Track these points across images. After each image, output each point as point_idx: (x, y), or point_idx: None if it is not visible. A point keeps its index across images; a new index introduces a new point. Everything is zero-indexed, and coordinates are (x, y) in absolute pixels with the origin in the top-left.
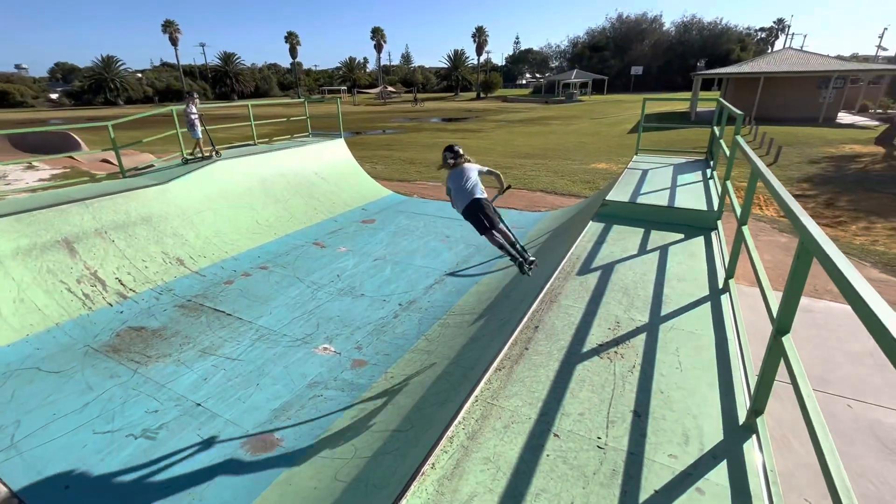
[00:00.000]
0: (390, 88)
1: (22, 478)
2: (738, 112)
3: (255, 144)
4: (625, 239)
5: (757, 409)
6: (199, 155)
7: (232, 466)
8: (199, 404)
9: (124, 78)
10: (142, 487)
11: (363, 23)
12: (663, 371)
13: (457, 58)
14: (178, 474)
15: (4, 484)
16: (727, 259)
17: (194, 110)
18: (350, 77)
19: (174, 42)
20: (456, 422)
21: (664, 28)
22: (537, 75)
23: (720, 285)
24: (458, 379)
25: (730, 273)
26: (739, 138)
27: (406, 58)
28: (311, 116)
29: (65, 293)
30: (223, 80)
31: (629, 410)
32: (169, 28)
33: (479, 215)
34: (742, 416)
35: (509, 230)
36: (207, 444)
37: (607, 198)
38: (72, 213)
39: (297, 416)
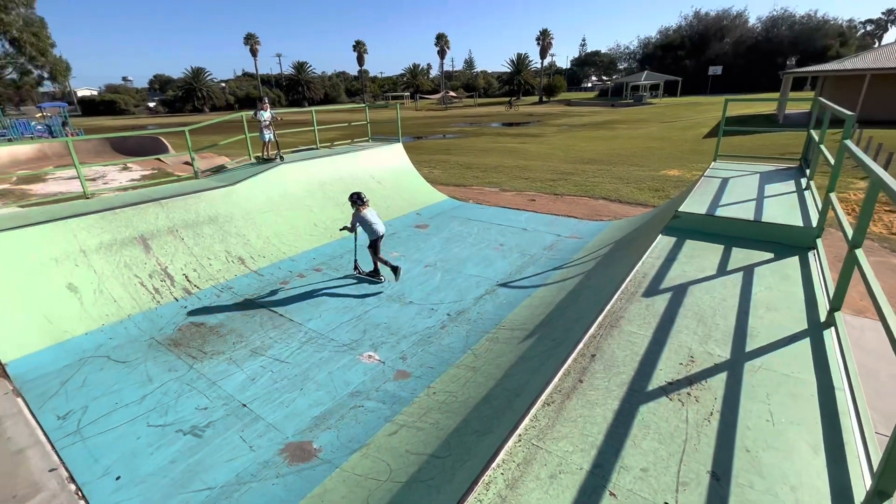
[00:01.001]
0: (451, 93)
1: (81, 464)
2: (848, 112)
3: (317, 149)
4: (700, 256)
5: (883, 489)
6: (265, 157)
7: (268, 474)
8: (244, 405)
9: (210, 87)
10: (182, 485)
11: (428, 30)
12: (750, 423)
13: (519, 61)
14: (217, 476)
15: (66, 468)
16: (831, 286)
17: (264, 116)
18: (413, 83)
19: (254, 53)
20: (495, 463)
21: (748, 24)
22: (603, 78)
23: (822, 318)
24: (503, 405)
25: (836, 304)
26: (850, 143)
27: (469, 63)
28: (373, 121)
29: (138, 287)
30: (296, 88)
31: (705, 471)
32: (250, 41)
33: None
34: (859, 496)
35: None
36: (248, 447)
37: (680, 209)
38: (148, 212)
39: (336, 425)
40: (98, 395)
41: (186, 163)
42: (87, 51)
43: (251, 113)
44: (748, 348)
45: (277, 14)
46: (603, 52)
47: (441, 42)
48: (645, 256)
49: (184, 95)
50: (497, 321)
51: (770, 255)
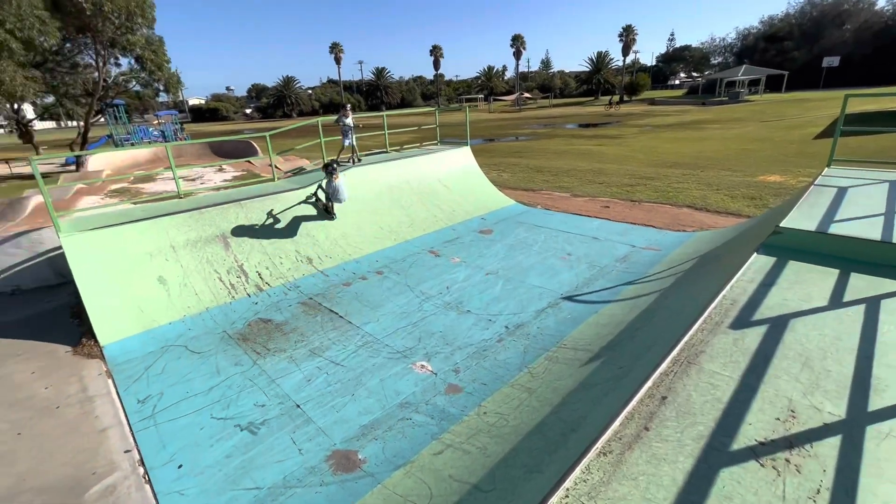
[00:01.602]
0: (526, 95)
1: (151, 448)
2: None
3: (387, 152)
4: (806, 282)
5: None
6: (345, 160)
7: (313, 481)
8: (298, 406)
9: (298, 94)
10: (234, 482)
11: (505, 31)
12: None
13: (599, 60)
14: (266, 477)
15: (139, 451)
16: None
17: (346, 121)
18: (487, 85)
19: (338, 61)
20: None
21: (875, 7)
22: (693, 74)
23: None
24: (556, 439)
25: None
26: None
27: (545, 63)
28: (445, 124)
29: (216, 282)
30: (374, 93)
31: None
32: (334, 49)
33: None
34: None
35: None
36: (297, 450)
37: (782, 224)
38: (230, 212)
39: (383, 437)
40: (173, 383)
41: (276, 165)
42: (198, 63)
43: (333, 118)
44: (872, 406)
45: (361, 22)
46: (694, 46)
47: (517, 43)
48: (735, 279)
49: (275, 102)
50: (558, 338)
51: None
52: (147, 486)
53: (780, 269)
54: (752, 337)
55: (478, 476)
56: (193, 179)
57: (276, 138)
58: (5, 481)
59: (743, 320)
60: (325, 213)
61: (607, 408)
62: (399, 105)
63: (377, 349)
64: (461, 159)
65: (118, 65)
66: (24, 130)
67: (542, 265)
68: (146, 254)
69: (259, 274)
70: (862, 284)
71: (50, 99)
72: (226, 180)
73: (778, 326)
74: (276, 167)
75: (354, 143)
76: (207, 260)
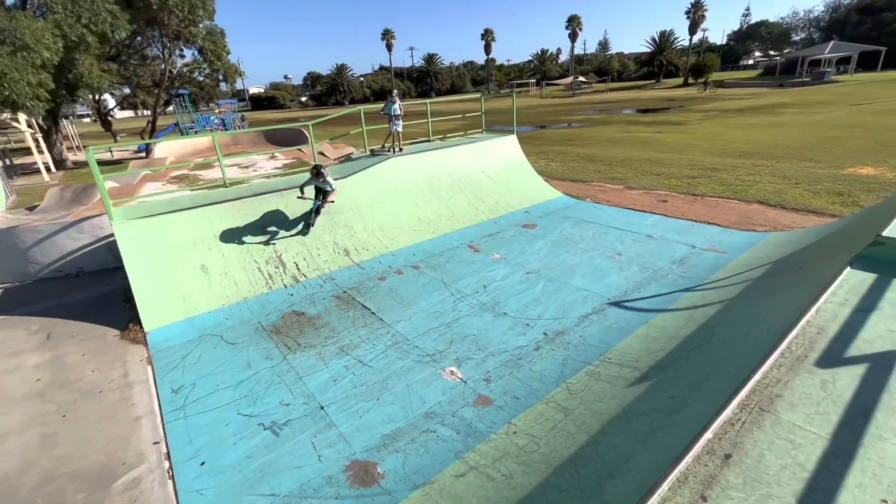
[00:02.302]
0: (581, 79)
1: (178, 441)
2: None
3: (430, 140)
4: None
5: None
6: (385, 147)
7: (329, 493)
8: (322, 407)
9: (350, 82)
10: (252, 486)
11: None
12: None
13: (662, 39)
14: (283, 483)
15: (166, 444)
16: None
17: (393, 108)
18: (540, 69)
19: (389, 48)
20: None
21: None
22: (771, 53)
23: None
24: (591, 482)
25: None
26: None
27: (603, 45)
28: (493, 112)
29: (255, 272)
30: (424, 80)
31: None
32: (386, 36)
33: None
34: None
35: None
36: (317, 456)
37: (885, 232)
38: (271, 202)
39: (405, 449)
40: (206, 374)
41: (321, 153)
42: (259, 52)
43: (380, 106)
44: None
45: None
46: (772, 21)
47: (573, 24)
48: (823, 299)
49: (328, 90)
50: (602, 350)
51: None
52: (170, 483)
53: (883, 290)
54: (847, 380)
55: None
56: (247, 167)
57: (326, 126)
58: (46, 464)
59: (834, 356)
60: (306, 224)
61: (654, 454)
62: (449, 91)
63: (406, 350)
64: (507, 148)
65: (182, 56)
66: (104, 119)
67: (588, 265)
68: (190, 242)
69: (296, 265)
70: None
71: (126, 90)
72: (276, 168)
73: (882, 367)
74: (323, 154)
75: (400, 130)
76: (248, 249)
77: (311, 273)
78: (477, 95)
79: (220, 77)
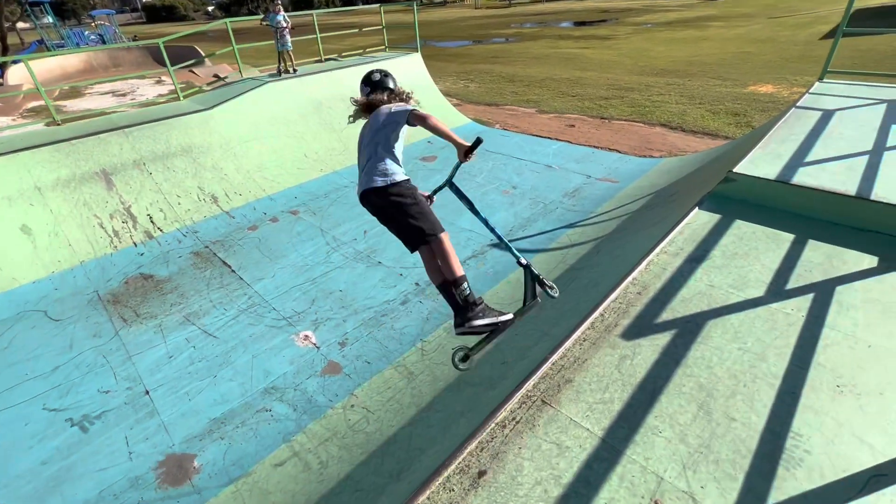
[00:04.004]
0: None
1: None
2: None
3: (322, 62)
4: (747, 257)
5: None
6: (284, 70)
7: (130, 498)
8: (147, 392)
9: None
10: (39, 499)
11: None
12: None
13: None
14: (78, 492)
15: None
16: None
17: (276, 19)
18: None
19: None
20: None
21: None
22: None
23: None
24: (377, 487)
25: None
26: None
27: None
28: (405, 25)
29: (96, 229)
30: None
31: None
32: None
33: (384, 221)
34: None
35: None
36: (128, 453)
37: (737, 168)
38: (111, 143)
39: (231, 435)
40: (14, 362)
41: (216, 75)
42: None
43: (259, 18)
44: (780, 492)
45: None
46: None
47: None
48: (660, 248)
49: None
50: None
51: (873, 263)
52: None
53: (720, 235)
54: (647, 354)
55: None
56: (125, 94)
57: (222, 44)
58: None
59: (644, 324)
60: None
61: (440, 454)
62: (345, 2)
63: (261, 314)
64: (410, 68)
65: None
66: None
67: (480, 202)
68: (4, 198)
69: (150, 217)
70: (818, 259)
71: None
72: (161, 95)
73: (686, 335)
74: (216, 76)
75: (290, 47)
76: (84, 202)
77: (168, 226)
78: (373, 7)
79: None
